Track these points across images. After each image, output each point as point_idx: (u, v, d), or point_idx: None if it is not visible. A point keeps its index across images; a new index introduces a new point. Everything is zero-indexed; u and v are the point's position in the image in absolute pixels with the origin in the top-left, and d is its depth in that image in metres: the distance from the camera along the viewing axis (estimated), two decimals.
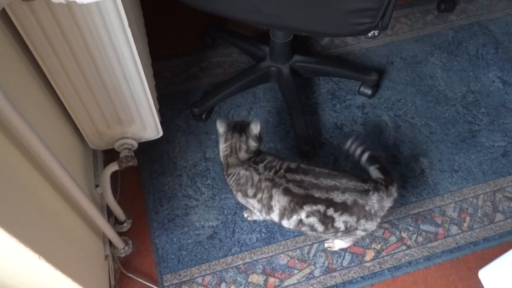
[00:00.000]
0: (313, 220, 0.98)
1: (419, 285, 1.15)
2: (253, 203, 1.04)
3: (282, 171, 1.00)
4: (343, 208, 0.96)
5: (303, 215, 0.98)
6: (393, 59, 1.57)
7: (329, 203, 0.96)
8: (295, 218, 0.99)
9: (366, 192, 0.97)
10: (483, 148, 1.37)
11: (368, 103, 1.46)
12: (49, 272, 0.79)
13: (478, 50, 1.59)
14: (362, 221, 0.97)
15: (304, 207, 0.97)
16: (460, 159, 1.35)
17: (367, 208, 0.96)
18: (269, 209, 1.01)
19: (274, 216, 1.02)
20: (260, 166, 1.02)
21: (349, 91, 1.49)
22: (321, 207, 0.96)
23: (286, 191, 0.98)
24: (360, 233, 1.02)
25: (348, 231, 1.00)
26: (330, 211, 0.96)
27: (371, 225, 0.99)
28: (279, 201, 0.99)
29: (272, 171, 1.00)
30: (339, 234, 1.02)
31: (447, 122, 1.43)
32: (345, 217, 0.97)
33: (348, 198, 0.96)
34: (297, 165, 1.01)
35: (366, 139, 1.38)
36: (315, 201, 0.96)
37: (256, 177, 1.01)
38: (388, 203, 0.99)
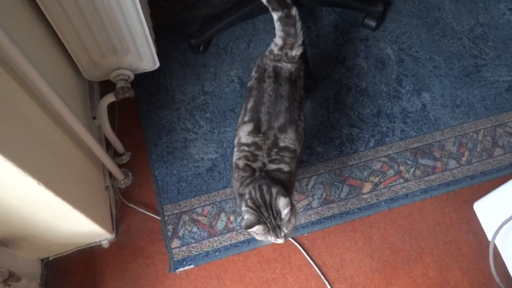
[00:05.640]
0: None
1: (414, 216, 1.17)
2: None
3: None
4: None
5: None
6: None
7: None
8: None
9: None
10: (487, 83, 1.35)
11: (371, 36, 1.41)
12: (49, 199, 0.80)
13: None
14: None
15: None
16: (463, 94, 1.33)
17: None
18: None
19: None
20: None
21: (352, 23, 1.43)
22: None
23: None
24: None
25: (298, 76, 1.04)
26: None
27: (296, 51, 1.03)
28: None
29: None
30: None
31: (452, 56, 1.39)
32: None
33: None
34: None
35: (369, 73, 1.35)
36: None
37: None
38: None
